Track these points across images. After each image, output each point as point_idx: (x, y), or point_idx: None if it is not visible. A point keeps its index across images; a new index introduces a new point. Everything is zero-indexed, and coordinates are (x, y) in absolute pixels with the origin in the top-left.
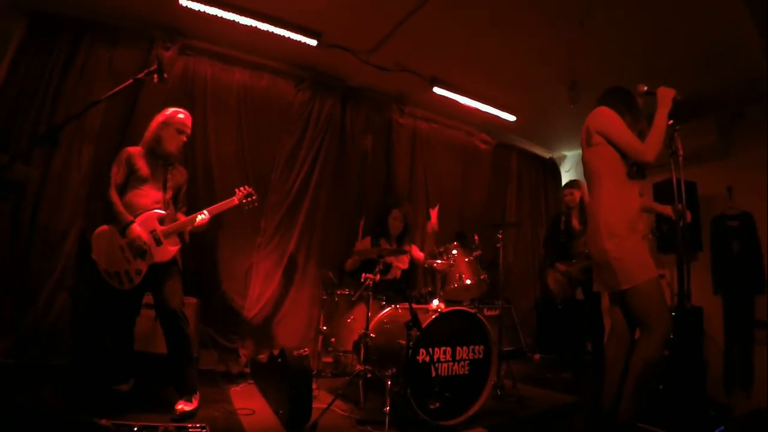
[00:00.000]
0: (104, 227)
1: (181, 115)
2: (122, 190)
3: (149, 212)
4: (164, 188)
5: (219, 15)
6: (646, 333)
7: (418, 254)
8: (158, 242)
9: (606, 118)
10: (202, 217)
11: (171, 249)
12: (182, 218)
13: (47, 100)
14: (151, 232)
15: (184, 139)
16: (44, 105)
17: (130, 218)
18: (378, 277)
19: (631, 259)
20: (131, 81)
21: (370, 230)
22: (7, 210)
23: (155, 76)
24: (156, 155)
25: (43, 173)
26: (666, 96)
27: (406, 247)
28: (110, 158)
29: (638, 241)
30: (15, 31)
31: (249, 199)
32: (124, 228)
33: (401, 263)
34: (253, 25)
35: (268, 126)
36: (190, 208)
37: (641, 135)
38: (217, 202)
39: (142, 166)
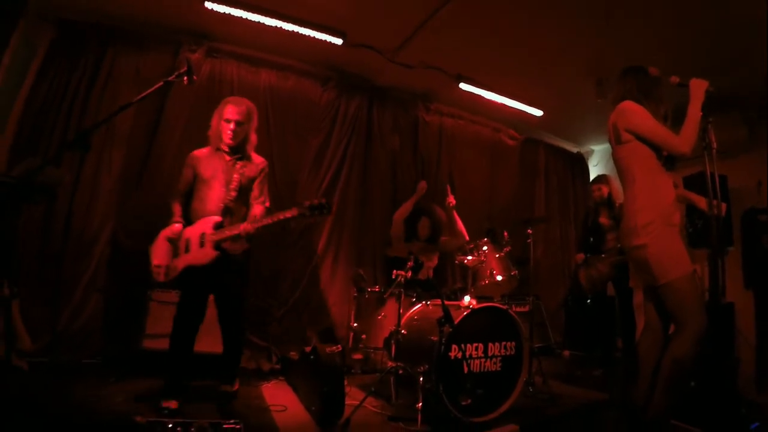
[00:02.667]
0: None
1: (229, 104)
2: (191, 195)
3: (209, 217)
4: (227, 187)
5: (244, 17)
6: (680, 330)
7: (462, 229)
8: (201, 245)
9: (633, 115)
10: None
11: (210, 253)
12: (257, 215)
13: (76, 105)
14: (201, 235)
15: (233, 127)
16: (73, 110)
17: (177, 219)
18: (409, 273)
19: (667, 254)
20: (161, 83)
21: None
22: (40, 213)
23: (185, 78)
24: (221, 151)
25: (75, 177)
26: (699, 87)
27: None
28: (140, 161)
29: (674, 234)
30: (42, 39)
31: (315, 212)
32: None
33: (431, 262)
34: (278, 25)
35: (295, 126)
36: None
37: (665, 118)
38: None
39: (204, 169)
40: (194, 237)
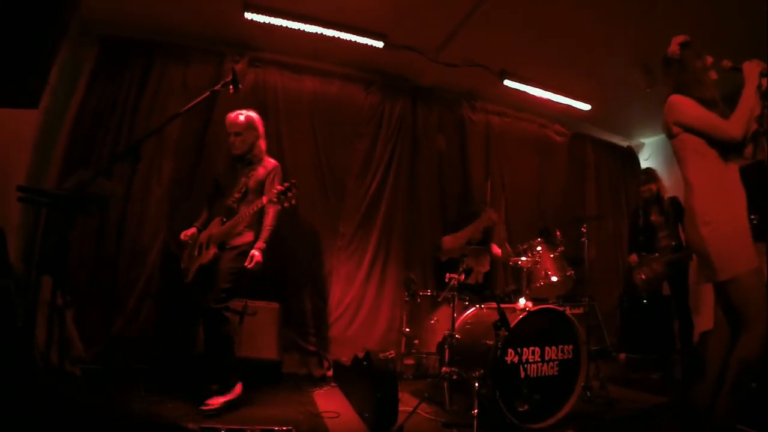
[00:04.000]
0: None
1: (227, 118)
2: (212, 202)
3: (216, 219)
4: (234, 190)
5: (284, 25)
6: (746, 329)
7: (496, 250)
8: (207, 246)
9: (678, 107)
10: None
11: (211, 252)
12: (268, 217)
13: (125, 118)
14: (208, 237)
15: (232, 139)
16: (123, 122)
17: (195, 224)
18: (462, 276)
19: (730, 248)
20: (208, 93)
21: (451, 231)
22: (94, 224)
23: (231, 87)
24: (234, 160)
25: (127, 188)
26: (753, 70)
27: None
28: (189, 171)
29: (740, 228)
30: (88, 55)
31: (281, 197)
32: None
33: (482, 266)
34: (319, 32)
35: (341, 131)
36: None
37: (714, 104)
38: (298, 211)
39: (223, 179)
40: (204, 240)
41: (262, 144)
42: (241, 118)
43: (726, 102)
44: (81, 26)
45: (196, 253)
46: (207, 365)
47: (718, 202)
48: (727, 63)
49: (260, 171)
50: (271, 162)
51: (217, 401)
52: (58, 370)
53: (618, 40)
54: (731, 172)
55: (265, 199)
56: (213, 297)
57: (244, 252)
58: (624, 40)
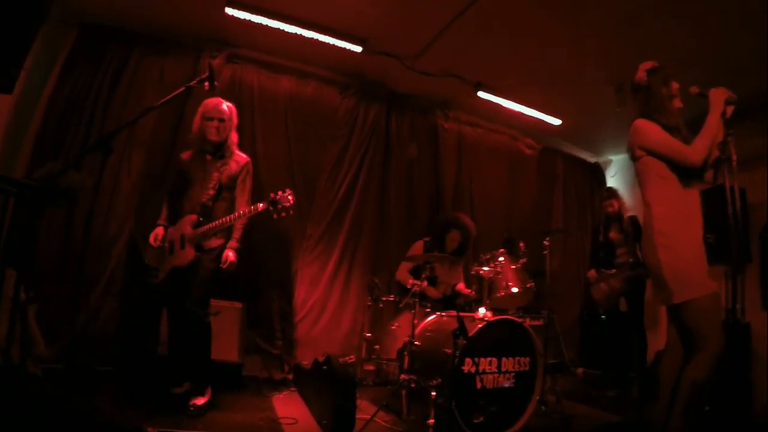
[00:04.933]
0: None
1: (210, 103)
2: (179, 195)
3: (188, 216)
4: (205, 185)
5: (265, 23)
6: (698, 351)
7: (464, 290)
8: (182, 246)
9: (642, 131)
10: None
11: (189, 254)
12: (242, 209)
13: (98, 109)
14: (181, 236)
15: (216, 124)
16: (95, 113)
17: (160, 222)
18: (425, 283)
19: (685, 272)
20: (183, 89)
21: (423, 236)
22: (61, 216)
23: (206, 83)
24: (204, 151)
25: (97, 180)
26: (718, 98)
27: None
28: (160, 164)
29: (695, 252)
30: (64, 42)
31: (278, 206)
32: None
33: (454, 279)
34: (299, 32)
35: (315, 132)
36: None
37: (677, 130)
38: None
39: (189, 170)
40: (176, 238)
41: (235, 136)
42: (224, 106)
43: (692, 126)
44: (60, 10)
45: (167, 252)
46: (182, 367)
47: (676, 226)
48: (694, 89)
49: (232, 166)
50: (242, 157)
51: (200, 401)
52: (19, 368)
53: (593, 59)
54: (691, 196)
55: (261, 206)
56: (196, 301)
57: (220, 253)
58: (599, 59)
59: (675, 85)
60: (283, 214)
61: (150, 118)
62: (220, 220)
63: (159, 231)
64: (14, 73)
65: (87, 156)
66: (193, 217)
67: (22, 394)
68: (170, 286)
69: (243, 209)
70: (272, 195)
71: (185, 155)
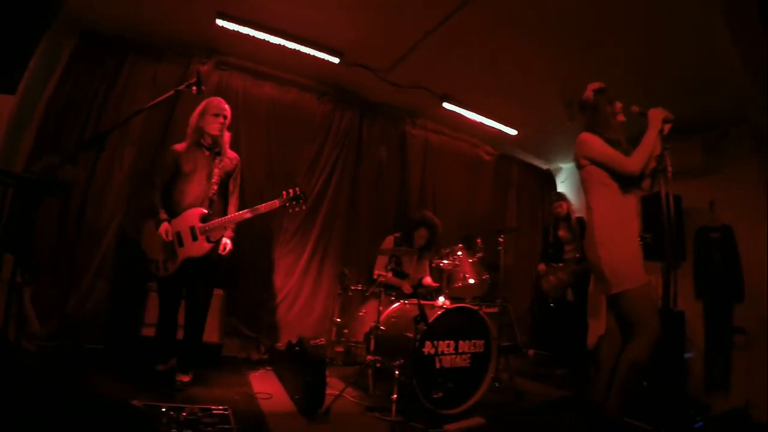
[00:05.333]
0: (151, 221)
1: (215, 101)
2: (170, 188)
3: (193, 209)
4: (209, 181)
5: (251, 34)
6: (635, 336)
7: (432, 284)
8: (194, 238)
9: (587, 144)
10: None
11: (205, 246)
12: (231, 211)
13: (94, 109)
14: (191, 228)
15: (222, 120)
16: (91, 113)
17: (163, 216)
18: (390, 274)
19: (622, 267)
20: (172, 92)
21: (393, 232)
22: (56, 206)
23: (194, 88)
24: (201, 146)
25: (90, 174)
26: (656, 117)
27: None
28: (149, 160)
29: (631, 249)
30: (66, 46)
31: (293, 202)
32: (157, 225)
33: (420, 273)
34: (282, 44)
35: (294, 135)
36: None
37: (618, 143)
38: (245, 203)
39: (186, 163)
40: (185, 230)
41: (228, 135)
42: (226, 105)
43: (632, 141)
44: (65, 17)
45: (176, 244)
46: (185, 350)
47: (615, 228)
48: (635, 108)
49: (227, 162)
50: (234, 154)
51: (186, 378)
52: (13, 345)
53: (548, 77)
54: (629, 202)
55: (277, 202)
56: (207, 289)
57: (221, 242)
58: (553, 77)
59: (618, 105)
60: (297, 209)
61: (140, 119)
62: (238, 214)
63: (167, 226)
64: (17, 75)
65: (84, 152)
66: (202, 210)
67: (16, 368)
68: (184, 276)
69: (259, 206)
70: (285, 193)
71: (180, 147)
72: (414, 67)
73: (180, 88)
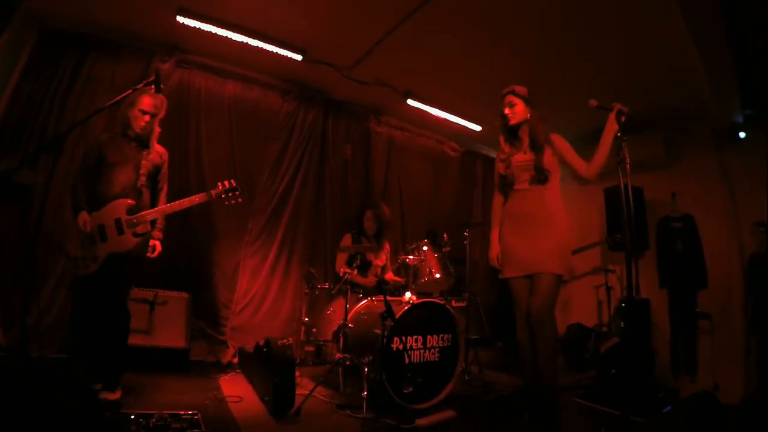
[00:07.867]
0: (68, 212)
1: (146, 96)
2: (94, 178)
3: (119, 200)
4: (136, 172)
5: (213, 31)
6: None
7: (395, 278)
8: (120, 231)
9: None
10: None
11: (132, 240)
12: (161, 205)
13: (54, 109)
14: (116, 220)
15: (148, 119)
16: (51, 113)
17: (83, 206)
18: (355, 271)
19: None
20: (131, 91)
21: (351, 229)
22: (15, 211)
23: (153, 87)
24: (128, 138)
25: (48, 177)
26: (612, 125)
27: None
28: None
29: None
30: (26, 43)
31: (228, 194)
32: (75, 215)
33: (379, 260)
34: (244, 41)
35: (257, 134)
36: None
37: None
38: (210, 206)
39: (110, 153)
40: (109, 223)
41: (158, 129)
42: (159, 100)
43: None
44: (23, 14)
45: (98, 238)
46: (107, 368)
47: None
48: (593, 102)
49: (154, 156)
50: (162, 149)
51: (115, 395)
52: None
53: (509, 74)
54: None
55: (212, 193)
56: (127, 287)
57: (146, 240)
58: (514, 74)
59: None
60: (233, 202)
61: (101, 119)
62: (168, 205)
63: (86, 217)
64: None
65: (42, 154)
66: (129, 201)
67: None
68: (107, 272)
69: (193, 197)
70: (220, 185)
71: (105, 137)
72: (377, 65)
73: (138, 87)
